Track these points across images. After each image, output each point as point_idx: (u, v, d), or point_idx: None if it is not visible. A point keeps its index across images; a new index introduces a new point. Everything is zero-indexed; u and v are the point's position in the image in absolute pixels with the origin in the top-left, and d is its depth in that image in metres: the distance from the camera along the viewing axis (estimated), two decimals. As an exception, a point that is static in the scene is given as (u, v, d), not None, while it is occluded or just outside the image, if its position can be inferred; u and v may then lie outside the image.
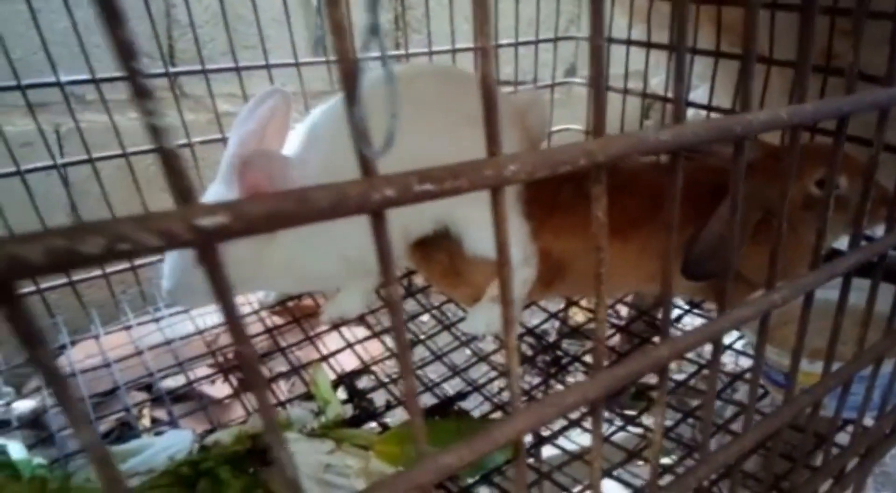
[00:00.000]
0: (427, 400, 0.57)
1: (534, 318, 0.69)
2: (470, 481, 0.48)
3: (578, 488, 0.48)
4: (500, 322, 0.23)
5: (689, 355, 0.62)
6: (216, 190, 0.53)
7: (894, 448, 0.45)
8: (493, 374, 0.60)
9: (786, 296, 0.25)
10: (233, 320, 0.13)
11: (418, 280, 0.70)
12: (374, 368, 0.61)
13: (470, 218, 0.55)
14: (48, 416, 0.57)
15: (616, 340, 0.73)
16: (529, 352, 0.64)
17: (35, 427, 0.59)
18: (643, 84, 0.74)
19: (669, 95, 0.73)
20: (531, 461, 0.51)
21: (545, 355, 0.63)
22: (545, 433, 0.53)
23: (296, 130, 0.56)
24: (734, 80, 0.68)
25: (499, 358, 0.62)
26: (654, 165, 0.63)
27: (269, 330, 0.65)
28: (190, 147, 0.66)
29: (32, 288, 0.60)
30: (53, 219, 0.63)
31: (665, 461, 0.56)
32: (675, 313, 0.70)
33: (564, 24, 0.84)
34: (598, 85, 0.18)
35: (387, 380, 0.60)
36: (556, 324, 0.71)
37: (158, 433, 0.57)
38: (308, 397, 0.60)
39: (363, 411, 0.57)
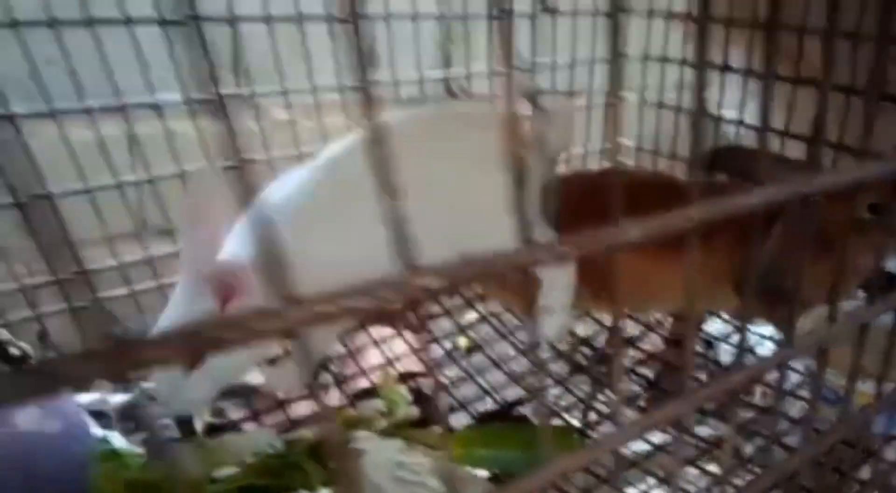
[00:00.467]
0: (489, 406, 0.61)
1: (588, 329, 0.72)
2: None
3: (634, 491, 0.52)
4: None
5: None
6: (182, 307, 0.49)
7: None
8: (550, 382, 0.64)
9: (844, 328, 0.28)
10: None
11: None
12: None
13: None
14: (141, 410, 0.63)
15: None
16: (584, 361, 0.67)
17: (130, 419, 0.64)
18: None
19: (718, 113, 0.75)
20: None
21: (600, 365, 0.67)
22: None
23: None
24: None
25: (555, 367, 0.65)
26: (707, 185, 0.66)
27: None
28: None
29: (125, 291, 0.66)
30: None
31: (712, 468, 0.58)
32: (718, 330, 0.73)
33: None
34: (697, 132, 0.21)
35: (449, 384, 0.64)
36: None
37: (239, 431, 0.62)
38: (368, 395, 0.64)
39: (430, 413, 0.61)
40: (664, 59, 0.78)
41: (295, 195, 0.51)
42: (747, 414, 0.54)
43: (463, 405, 0.61)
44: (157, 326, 0.49)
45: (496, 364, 0.66)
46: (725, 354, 0.72)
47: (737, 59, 0.70)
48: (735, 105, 0.73)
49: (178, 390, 0.53)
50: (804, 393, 0.60)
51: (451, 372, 0.67)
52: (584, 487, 0.50)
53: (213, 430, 0.62)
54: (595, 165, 0.88)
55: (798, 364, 0.62)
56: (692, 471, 0.54)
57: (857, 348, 0.31)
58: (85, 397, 0.63)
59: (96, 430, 0.59)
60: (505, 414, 0.60)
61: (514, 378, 0.64)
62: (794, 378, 0.64)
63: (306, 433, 0.54)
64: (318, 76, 0.73)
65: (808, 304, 0.61)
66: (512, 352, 0.68)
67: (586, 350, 0.69)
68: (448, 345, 0.71)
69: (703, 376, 0.69)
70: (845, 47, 0.60)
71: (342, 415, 0.61)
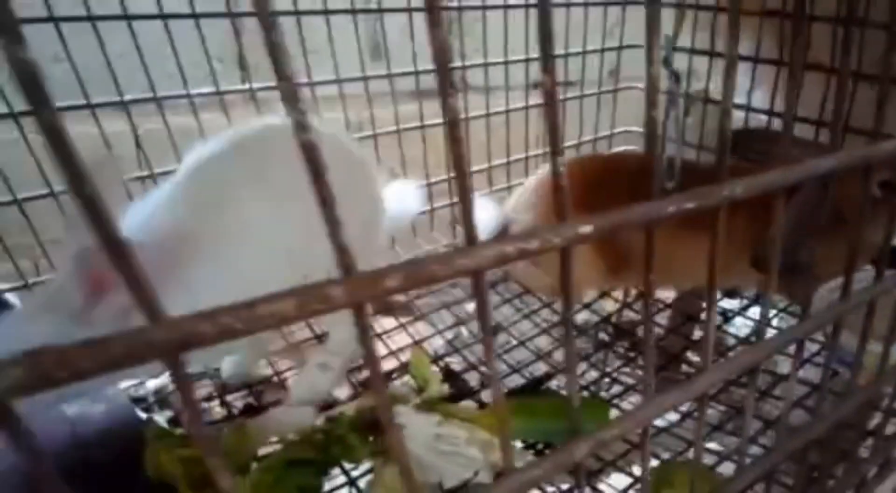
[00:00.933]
0: (517, 381, 0.64)
1: (609, 307, 0.75)
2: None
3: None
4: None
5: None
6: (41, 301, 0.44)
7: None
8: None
9: (857, 302, 0.31)
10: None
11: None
12: (464, 351, 0.69)
13: None
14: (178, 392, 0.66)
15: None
16: (606, 338, 0.70)
17: (166, 402, 0.68)
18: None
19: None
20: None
21: (622, 341, 0.69)
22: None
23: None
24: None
25: (579, 343, 0.68)
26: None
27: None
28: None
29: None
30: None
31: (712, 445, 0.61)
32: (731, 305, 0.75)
33: (609, 27, 0.88)
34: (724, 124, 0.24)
35: (477, 363, 0.67)
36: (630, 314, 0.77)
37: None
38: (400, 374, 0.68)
39: (459, 390, 0.64)
40: (673, 48, 0.80)
41: (162, 216, 0.49)
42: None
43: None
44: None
45: (521, 343, 0.69)
46: (742, 328, 0.75)
47: (745, 47, 0.72)
48: (744, 92, 0.75)
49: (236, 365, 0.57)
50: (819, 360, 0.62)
51: (476, 352, 0.70)
52: (619, 453, 0.53)
53: (250, 411, 0.65)
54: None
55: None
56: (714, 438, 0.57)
57: (866, 322, 0.33)
58: (124, 383, 0.66)
59: (140, 412, 0.63)
60: (533, 389, 0.63)
61: (540, 355, 0.67)
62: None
63: (346, 410, 0.58)
64: (342, 70, 0.75)
65: (821, 278, 0.63)
66: (534, 331, 0.71)
67: (603, 327, 0.72)
68: (465, 332, 0.75)
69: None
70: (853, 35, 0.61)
71: (365, 405, 0.64)
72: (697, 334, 0.72)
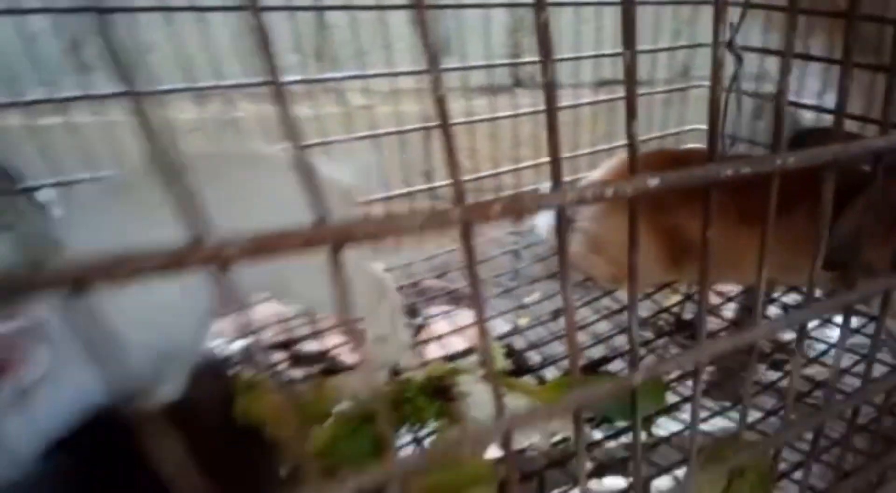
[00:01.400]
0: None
1: (667, 299, 0.77)
2: (621, 425, 0.58)
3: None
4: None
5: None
6: None
7: None
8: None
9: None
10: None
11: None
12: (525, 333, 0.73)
13: None
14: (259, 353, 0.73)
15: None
16: (667, 328, 0.73)
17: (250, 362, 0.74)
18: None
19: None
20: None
21: (683, 332, 0.72)
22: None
23: None
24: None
25: (641, 331, 0.71)
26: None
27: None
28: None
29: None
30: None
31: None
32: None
33: (678, 26, 0.90)
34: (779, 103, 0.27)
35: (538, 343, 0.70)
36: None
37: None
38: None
39: (520, 367, 0.68)
40: (745, 48, 0.81)
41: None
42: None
43: (552, 362, 0.68)
44: None
45: (581, 327, 0.72)
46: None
47: (818, 48, 0.72)
48: (814, 93, 0.75)
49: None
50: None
51: (539, 334, 0.74)
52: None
53: (327, 373, 0.71)
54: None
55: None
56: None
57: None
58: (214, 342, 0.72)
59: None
60: (592, 370, 0.66)
61: (600, 340, 0.70)
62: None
63: (415, 376, 0.62)
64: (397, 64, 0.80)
65: (871, 269, 0.64)
66: (594, 317, 0.74)
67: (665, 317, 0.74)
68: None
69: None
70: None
71: (442, 367, 0.68)
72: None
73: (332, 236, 0.17)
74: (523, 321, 0.76)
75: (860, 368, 0.64)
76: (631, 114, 0.21)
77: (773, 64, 0.80)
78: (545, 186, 0.79)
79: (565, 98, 0.89)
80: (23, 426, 0.44)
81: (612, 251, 0.72)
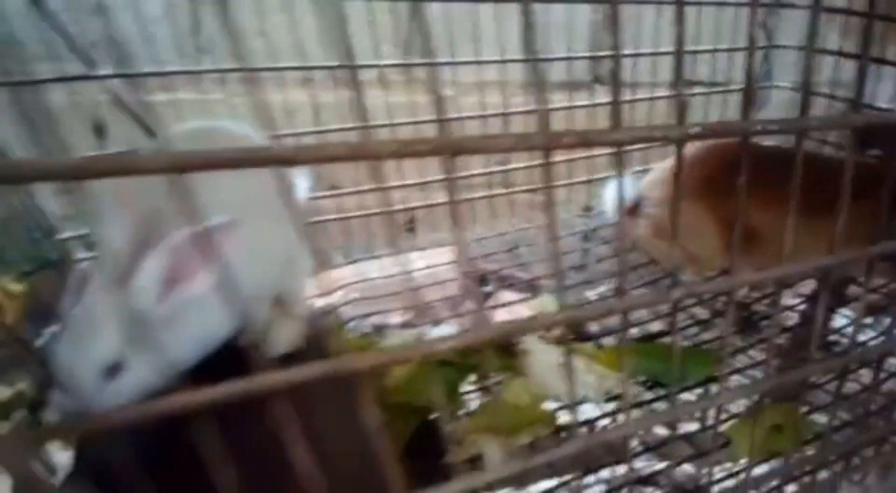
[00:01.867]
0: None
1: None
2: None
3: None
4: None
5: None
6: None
7: None
8: (690, 321, 0.74)
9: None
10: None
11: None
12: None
13: None
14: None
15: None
16: (723, 309, 0.76)
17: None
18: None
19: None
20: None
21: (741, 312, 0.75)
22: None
23: None
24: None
25: (695, 310, 0.75)
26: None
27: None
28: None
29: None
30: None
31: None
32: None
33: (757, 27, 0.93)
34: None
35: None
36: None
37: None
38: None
39: (579, 334, 0.73)
40: (822, 51, 0.83)
41: None
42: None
43: (611, 332, 0.73)
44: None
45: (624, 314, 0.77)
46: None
47: (893, 53, 0.74)
48: (889, 98, 0.77)
49: None
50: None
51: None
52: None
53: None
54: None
55: None
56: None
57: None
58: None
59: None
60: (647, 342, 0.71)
61: (658, 316, 0.75)
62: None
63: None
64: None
65: None
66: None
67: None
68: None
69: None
70: None
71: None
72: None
73: (448, 147, 0.24)
74: (590, 295, 0.82)
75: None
76: (681, 111, 0.27)
77: (849, 68, 0.82)
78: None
79: (642, 95, 0.94)
80: (172, 339, 0.48)
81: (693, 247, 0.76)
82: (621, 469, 0.56)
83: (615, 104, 0.25)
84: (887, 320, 0.74)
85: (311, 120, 1.05)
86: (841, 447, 0.45)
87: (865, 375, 0.57)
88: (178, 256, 0.44)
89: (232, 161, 0.21)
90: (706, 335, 0.72)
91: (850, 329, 0.73)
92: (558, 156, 0.92)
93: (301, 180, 0.63)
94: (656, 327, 0.74)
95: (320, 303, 0.86)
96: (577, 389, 0.62)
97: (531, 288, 0.86)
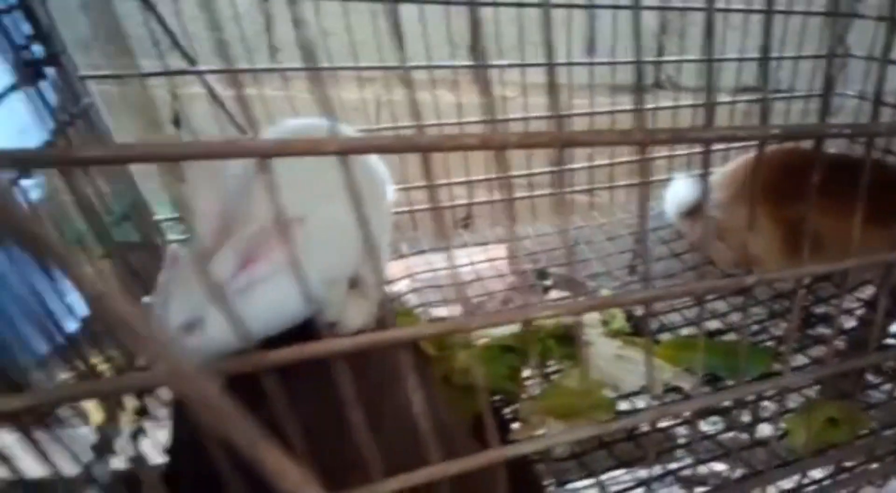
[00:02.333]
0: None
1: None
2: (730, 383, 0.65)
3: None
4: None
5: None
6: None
7: None
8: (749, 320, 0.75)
9: None
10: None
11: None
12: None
13: None
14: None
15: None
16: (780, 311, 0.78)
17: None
18: None
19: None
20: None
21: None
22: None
23: None
24: None
25: (755, 309, 0.77)
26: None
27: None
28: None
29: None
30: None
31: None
32: None
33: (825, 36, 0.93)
34: None
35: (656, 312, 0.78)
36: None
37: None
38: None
39: (638, 329, 0.76)
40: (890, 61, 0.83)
41: None
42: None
43: (669, 328, 0.76)
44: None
45: (699, 303, 0.79)
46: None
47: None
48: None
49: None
50: None
51: (658, 306, 0.81)
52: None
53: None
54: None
55: None
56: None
57: None
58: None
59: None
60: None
61: (715, 315, 0.77)
62: None
63: (546, 323, 0.72)
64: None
65: None
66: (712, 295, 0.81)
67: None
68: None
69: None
70: None
71: (563, 322, 0.77)
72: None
73: (559, 141, 0.27)
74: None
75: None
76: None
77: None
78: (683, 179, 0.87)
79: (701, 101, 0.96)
80: (247, 310, 0.50)
81: (734, 238, 0.79)
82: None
83: (709, 106, 0.29)
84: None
85: (374, 118, 1.11)
86: (891, 442, 0.47)
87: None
88: (254, 243, 0.50)
89: (385, 147, 0.25)
90: (763, 336, 0.74)
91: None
92: (623, 157, 0.95)
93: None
94: (714, 325, 0.76)
95: (388, 290, 0.91)
96: (635, 379, 0.66)
97: (587, 286, 0.89)
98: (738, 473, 0.53)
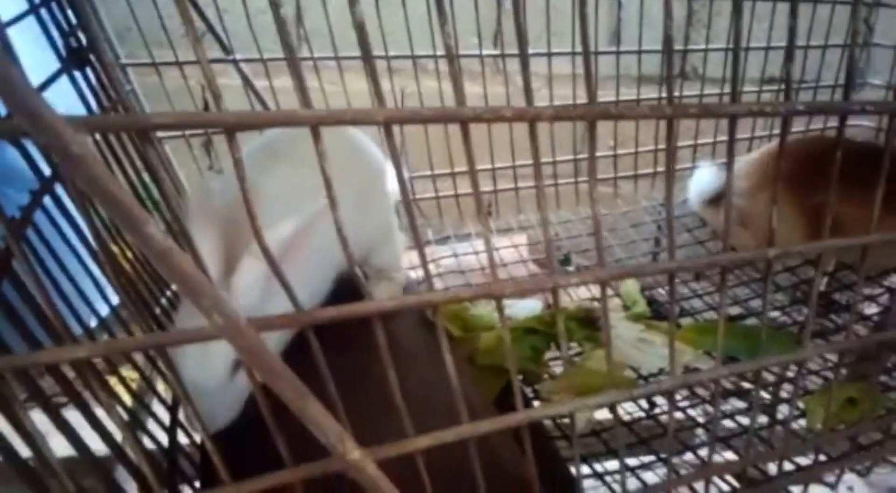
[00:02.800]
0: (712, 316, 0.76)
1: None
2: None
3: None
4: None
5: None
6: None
7: None
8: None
9: None
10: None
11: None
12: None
13: None
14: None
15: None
16: (802, 297, 0.79)
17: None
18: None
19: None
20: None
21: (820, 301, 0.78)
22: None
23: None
24: None
25: (777, 296, 0.78)
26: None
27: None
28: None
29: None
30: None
31: None
32: None
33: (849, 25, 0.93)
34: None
35: (678, 298, 0.79)
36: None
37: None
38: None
39: (658, 314, 0.77)
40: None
41: None
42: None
43: (691, 314, 0.77)
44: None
45: (719, 289, 0.80)
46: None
47: None
48: None
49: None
50: None
51: (679, 291, 0.82)
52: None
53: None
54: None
55: None
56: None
57: None
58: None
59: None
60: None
61: (737, 301, 0.78)
62: None
63: (569, 307, 0.74)
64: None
65: None
66: (734, 281, 0.82)
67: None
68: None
69: None
70: None
71: (584, 306, 0.78)
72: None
73: (591, 114, 0.29)
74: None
75: None
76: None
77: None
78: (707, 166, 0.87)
79: (726, 91, 0.96)
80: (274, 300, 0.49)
81: (756, 225, 0.79)
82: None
83: (734, 81, 0.30)
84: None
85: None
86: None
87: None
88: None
89: (430, 118, 0.27)
90: (785, 320, 0.75)
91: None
92: (647, 146, 0.96)
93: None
94: (736, 311, 0.77)
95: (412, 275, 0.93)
96: (656, 361, 0.67)
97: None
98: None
